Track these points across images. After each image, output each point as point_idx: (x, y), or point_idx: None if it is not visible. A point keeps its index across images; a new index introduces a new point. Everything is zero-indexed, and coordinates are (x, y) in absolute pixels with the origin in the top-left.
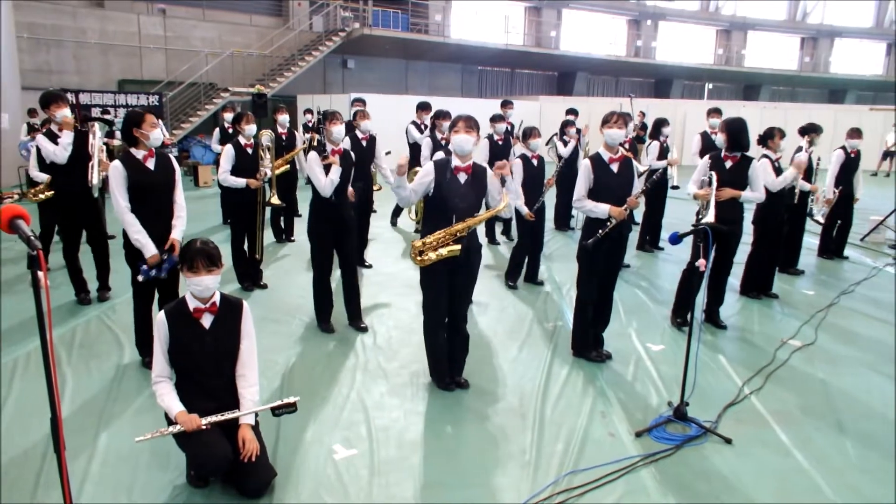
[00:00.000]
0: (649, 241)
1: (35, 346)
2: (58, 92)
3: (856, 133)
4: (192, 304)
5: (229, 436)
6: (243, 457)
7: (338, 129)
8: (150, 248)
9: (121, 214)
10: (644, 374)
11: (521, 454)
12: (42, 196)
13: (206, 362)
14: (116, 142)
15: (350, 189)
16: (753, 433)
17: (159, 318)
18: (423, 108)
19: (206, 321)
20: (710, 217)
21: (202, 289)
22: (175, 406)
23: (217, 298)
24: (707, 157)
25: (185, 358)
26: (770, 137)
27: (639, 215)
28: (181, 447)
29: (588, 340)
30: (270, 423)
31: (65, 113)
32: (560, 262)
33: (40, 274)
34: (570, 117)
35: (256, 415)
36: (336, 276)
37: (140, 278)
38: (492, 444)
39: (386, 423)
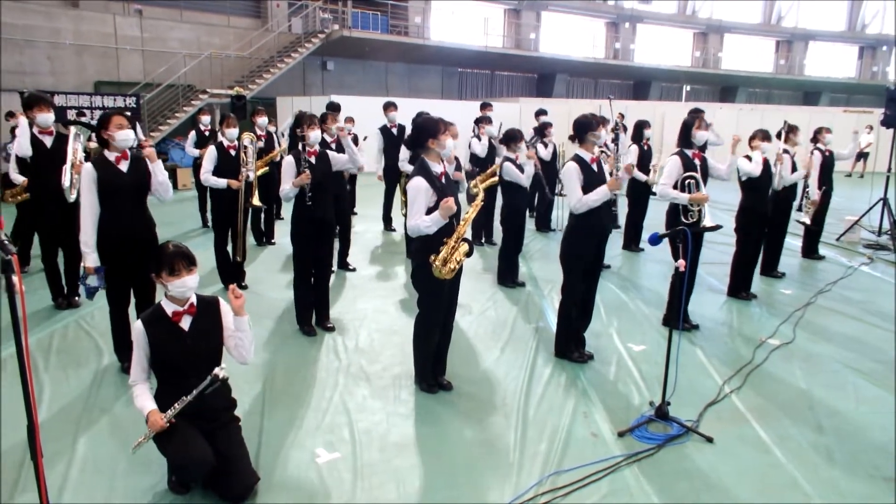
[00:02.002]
0: (633, 241)
1: (10, 352)
2: (42, 95)
3: (826, 130)
4: (170, 308)
5: (210, 439)
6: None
7: (314, 134)
8: (91, 258)
9: (82, 216)
10: (626, 373)
11: (504, 455)
12: (19, 198)
13: (187, 364)
14: (93, 144)
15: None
16: (734, 431)
17: (137, 327)
18: (389, 107)
19: (185, 323)
20: (707, 219)
21: (185, 289)
22: (147, 405)
23: (194, 299)
24: (675, 156)
25: (167, 362)
26: (791, 132)
27: (621, 216)
28: (162, 452)
29: (570, 341)
30: (253, 427)
31: (47, 117)
32: (541, 262)
33: (15, 279)
34: (545, 118)
35: (238, 417)
36: None
37: (83, 295)
38: (476, 445)
39: (369, 425)
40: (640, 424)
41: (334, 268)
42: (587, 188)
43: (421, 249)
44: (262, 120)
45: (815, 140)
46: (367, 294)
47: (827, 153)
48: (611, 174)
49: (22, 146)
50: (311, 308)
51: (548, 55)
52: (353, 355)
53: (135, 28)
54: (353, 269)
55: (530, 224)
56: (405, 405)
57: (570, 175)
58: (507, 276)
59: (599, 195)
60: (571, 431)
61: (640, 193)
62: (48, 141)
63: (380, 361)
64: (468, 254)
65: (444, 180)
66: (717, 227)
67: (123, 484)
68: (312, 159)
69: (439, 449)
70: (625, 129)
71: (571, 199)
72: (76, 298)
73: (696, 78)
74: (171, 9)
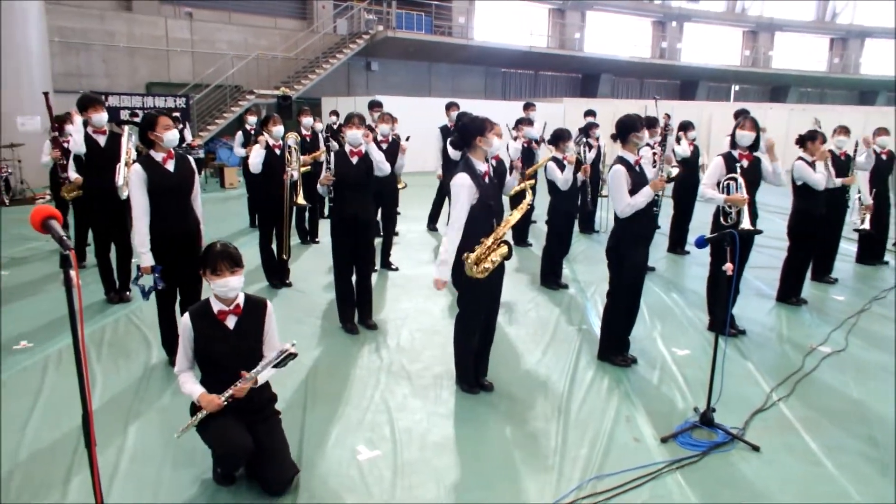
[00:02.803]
0: (679, 244)
1: (66, 344)
2: (95, 96)
3: (882, 131)
4: (217, 306)
5: (251, 432)
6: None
7: (352, 133)
8: (146, 258)
9: (134, 217)
10: (670, 378)
11: (545, 458)
12: (73, 194)
13: (229, 362)
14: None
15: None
16: (781, 440)
17: (184, 320)
18: (449, 107)
19: (231, 322)
20: (745, 222)
21: (227, 289)
22: (197, 389)
23: (241, 300)
24: (719, 156)
25: (209, 358)
26: (811, 140)
27: (666, 218)
28: (204, 440)
29: (614, 344)
30: (295, 423)
31: (101, 117)
32: (584, 264)
33: (72, 273)
34: (592, 119)
35: (278, 411)
36: None
37: (139, 296)
38: (516, 447)
39: (409, 424)
40: (683, 430)
41: (377, 266)
42: (632, 191)
43: (458, 249)
44: (308, 120)
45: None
46: (410, 293)
47: (884, 154)
48: (659, 174)
49: (77, 143)
50: (353, 306)
51: (592, 55)
52: (395, 354)
53: (185, 30)
54: (396, 269)
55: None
56: (445, 405)
57: (619, 179)
58: (551, 277)
59: (645, 196)
60: (613, 436)
61: (685, 196)
62: (102, 140)
63: (421, 361)
64: (507, 256)
65: (487, 180)
66: (755, 232)
67: (170, 473)
68: (355, 160)
69: (479, 450)
70: (671, 129)
71: (619, 204)
72: (127, 293)
73: (745, 77)
74: (219, 11)
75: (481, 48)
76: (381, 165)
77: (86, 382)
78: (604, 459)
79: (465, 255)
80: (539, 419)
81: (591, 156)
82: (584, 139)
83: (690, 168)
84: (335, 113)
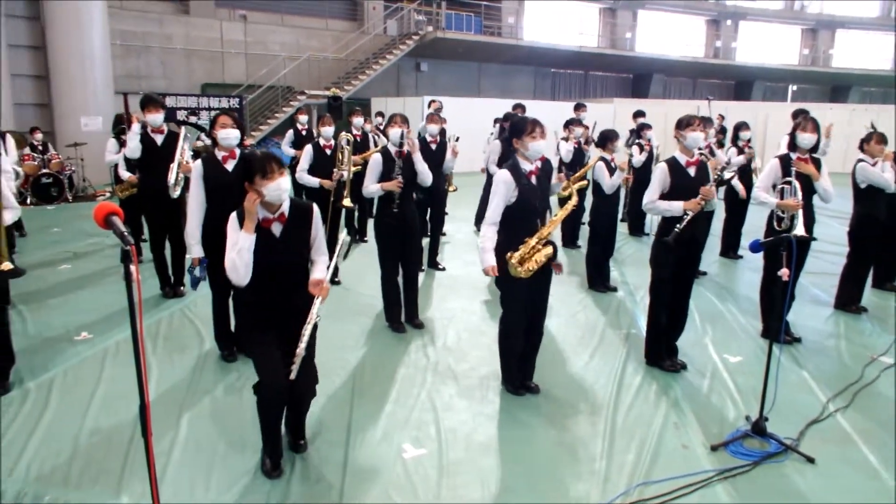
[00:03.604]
0: (732, 248)
1: (123, 336)
2: (155, 97)
3: None
4: (262, 214)
5: (284, 331)
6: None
7: (394, 132)
8: (195, 250)
9: (188, 209)
10: (720, 385)
11: (590, 462)
12: (127, 193)
13: (278, 270)
14: (199, 143)
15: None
16: (838, 452)
17: (232, 219)
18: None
19: (276, 230)
20: (799, 228)
21: (280, 192)
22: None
23: (286, 207)
24: (775, 159)
25: (258, 266)
26: (867, 141)
27: (719, 221)
28: (252, 358)
29: (662, 349)
30: (342, 419)
31: (156, 117)
32: (633, 267)
33: (132, 268)
34: (644, 120)
35: (313, 341)
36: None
37: (188, 285)
38: (561, 450)
39: (455, 424)
40: (734, 439)
41: (424, 266)
42: (672, 193)
43: (500, 248)
44: (358, 120)
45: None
46: (457, 293)
47: None
48: (711, 181)
49: (130, 148)
50: (399, 305)
51: (644, 54)
52: (441, 354)
53: (239, 33)
54: (443, 269)
55: (622, 228)
56: (491, 405)
57: (655, 176)
58: (598, 280)
59: (671, 208)
60: (661, 442)
61: (737, 198)
62: (159, 139)
63: (467, 361)
64: (552, 257)
65: (534, 179)
66: (809, 239)
67: (222, 464)
68: (399, 161)
69: (524, 452)
70: (724, 131)
71: (644, 198)
72: (181, 288)
73: (803, 77)
74: (272, 13)
75: (531, 48)
76: (424, 177)
77: (143, 374)
78: (651, 465)
79: (509, 254)
80: (585, 423)
81: (641, 157)
82: (636, 140)
83: (744, 170)
84: (380, 114)
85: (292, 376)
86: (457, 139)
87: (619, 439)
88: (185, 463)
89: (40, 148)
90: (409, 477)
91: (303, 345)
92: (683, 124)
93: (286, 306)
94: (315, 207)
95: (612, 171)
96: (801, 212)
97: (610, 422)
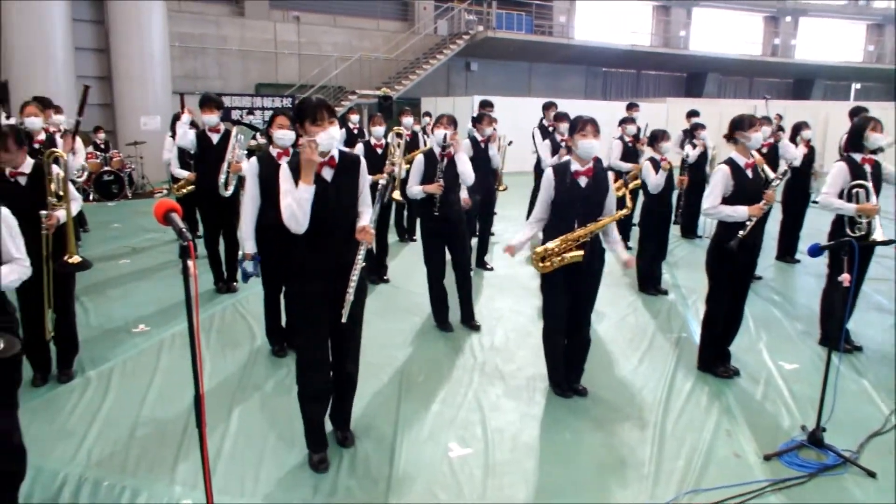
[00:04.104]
0: (788, 252)
1: (178, 329)
2: (213, 97)
3: None
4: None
5: (333, 308)
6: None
7: (438, 133)
8: (248, 245)
9: (243, 205)
10: (775, 393)
11: (639, 467)
12: (183, 191)
13: (329, 215)
14: (253, 142)
15: (465, 197)
16: None
17: (284, 168)
18: (547, 107)
19: (328, 175)
20: (878, 233)
21: (330, 140)
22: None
23: (335, 153)
24: (841, 162)
25: (312, 215)
26: None
27: (775, 224)
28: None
29: (715, 355)
30: (389, 416)
31: (210, 118)
32: (686, 270)
33: (190, 263)
34: (697, 119)
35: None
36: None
37: (240, 279)
38: (609, 454)
39: (501, 424)
40: (789, 449)
41: (472, 266)
42: (735, 197)
43: (542, 243)
44: (408, 120)
45: None
46: (504, 293)
47: None
48: (765, 184)
49: (180, 136)
50: (446, 305)
51: (698, 53)
52: (489, 354)
53: (292, 34)
54: (491, 268)
55: (675, 230)
56: (538, 406)
57: (717, 179)
58: (649, 283)
59: (736, 213)
60: (712, 450)
61: (795, 200)
62: (215, 138)
63: (514, 361)
64: (580, 261)
65: (582, 180)
66: (890, 242)
67: (271, 457)
68: (444, 162)
69: (570, 455)
70: (782, 131)
71: (706, 201)
72: (234, 284)
73: (867, 74)
74: (325, 14)
75: (582, 47)
76: (465, 177)
77: (199, 366)
78: (701, 473)
79: (535, 247)
80: (634, 427)
81: (695, 153)
82: (689, 140)
83: (802, 171)
84: (428, 114)
85: (343, 319)
86: (510, 143)
87: (669, 445)
88: (235, 455)
89: (102, 147)
90: (455, 476)
91: (351, 289)
92: (746, 125)
93: (337, 261)
94: (362, 159)
95: (657, 170)
96: (877, 216)
97: (659, 427)
